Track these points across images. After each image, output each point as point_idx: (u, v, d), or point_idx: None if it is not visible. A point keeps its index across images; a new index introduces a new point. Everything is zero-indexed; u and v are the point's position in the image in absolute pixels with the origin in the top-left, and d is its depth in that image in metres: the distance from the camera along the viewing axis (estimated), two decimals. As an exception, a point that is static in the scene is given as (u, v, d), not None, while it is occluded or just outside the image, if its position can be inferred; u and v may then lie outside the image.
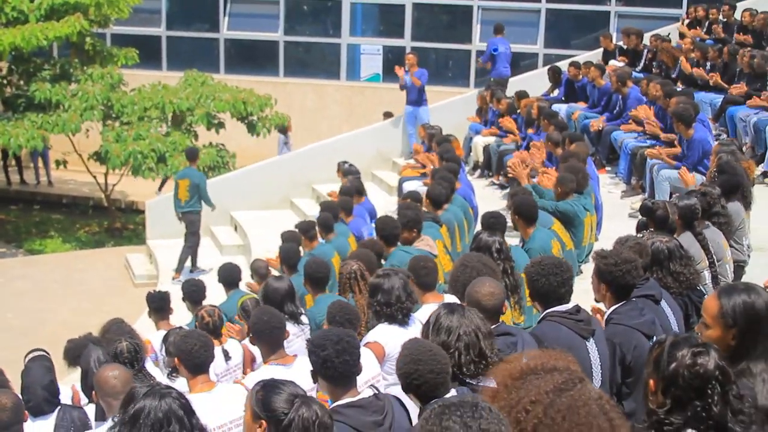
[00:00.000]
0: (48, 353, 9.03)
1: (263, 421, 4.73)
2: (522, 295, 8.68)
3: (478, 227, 11.17)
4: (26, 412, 6.59)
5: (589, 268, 10.39)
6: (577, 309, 6.37)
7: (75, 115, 21.40)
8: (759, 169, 14.55)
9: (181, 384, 8.10)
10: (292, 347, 9.16)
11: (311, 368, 5.30)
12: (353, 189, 14.59)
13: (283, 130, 23.35)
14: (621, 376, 6.46)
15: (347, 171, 16.69)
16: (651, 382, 4.17)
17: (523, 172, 12.33)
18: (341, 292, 9.46)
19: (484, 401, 3.16)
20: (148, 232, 19.66)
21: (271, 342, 7.18)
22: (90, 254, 21.74)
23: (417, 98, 20.32)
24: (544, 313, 6.44)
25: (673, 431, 4.04)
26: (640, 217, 9.96)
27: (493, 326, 6.10)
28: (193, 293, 11.03)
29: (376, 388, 5.34)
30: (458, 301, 7.38)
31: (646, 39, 20.58)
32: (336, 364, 5.21)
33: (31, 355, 8.99)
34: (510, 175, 13.24)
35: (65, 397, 8.54)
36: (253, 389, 4.96)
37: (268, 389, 4.82)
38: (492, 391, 3.35)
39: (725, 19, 20.54)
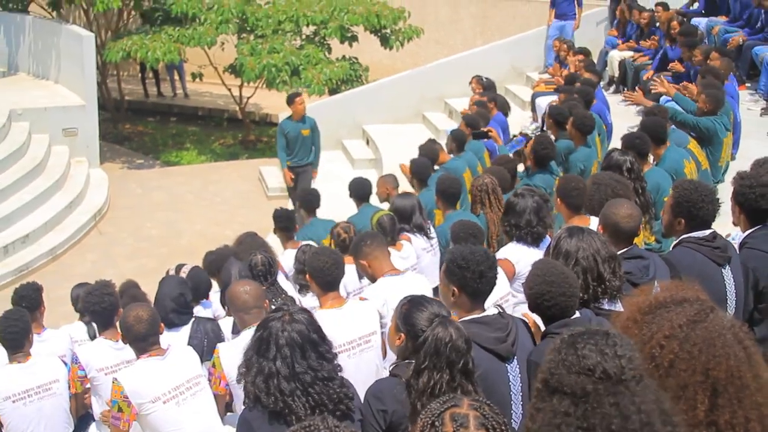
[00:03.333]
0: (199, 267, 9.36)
1: (402, 334, 4.91)
2: (653, 215, 8.58)
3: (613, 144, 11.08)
4: (162, 324, 6.77)
5: (723, 188, 10.20)
6: (714, 236, 6.23)
7: (210, 28, 21.56)
8: None
9: (310, 300, 8.25)
10: (422, 262, 9.25)
11: (456, 284, 5.26)
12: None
13: None
14: (753, 301, 6.34)
15: (487, 85, 16.64)
16: None
17: (667, 84, 11.99)
18: (472, 204, 9.49)
19: (613, 329, 3.14)
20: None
21: (324, 284, 6.76)
22: (224, 166, 22.09)
23: (565, 12, 19.98)
24: (680, 238, 6.33)
25: None
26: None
27: (626, 249, 6.05)
28: (309, 201, 11.18)
29: (501, 308, 5.33)
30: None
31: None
32: (489, 278, 5.20)
33: (185, 268, 9.30)
34: (653, 90, 12.89)
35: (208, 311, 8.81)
36: (400, 302, 5.06)
37: (413, 305, 4.98)
38: (622, 326, 3.32)
39: None
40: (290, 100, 15.84)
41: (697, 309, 3.24)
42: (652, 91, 12.59)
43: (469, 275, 5.14)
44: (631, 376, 2.96)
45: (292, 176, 15.90)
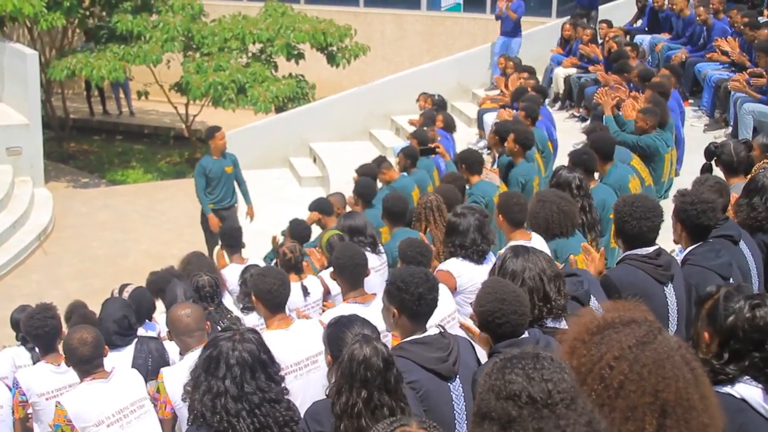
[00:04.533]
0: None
1: (329, 355, 5.03)
2: (599, 233, 8.63)
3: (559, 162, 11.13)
4: (106, 347, 6.70)
5: (667, 204, 10.28)
6: (658, 252, 6.27)
7: (156, 46, 21.52)
8: None
9: (253, 318, 8.27)
10: (371, 282, 9.23)
11: (395, 306, 5.28)
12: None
13: None
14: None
15: (438, 102, 16.69)
16: (706, 334, 4.17)
17: (609, 99, 12.11)
18: (415, 221, 9.49)
19: (544, 352, 3.15)
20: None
21: (352, 278, 7.17)
22: (171, 185, 22.01)
23: (512, 30, 20.09)
24: (624, 255, 6.38)
25: (729, 380, 4.04)
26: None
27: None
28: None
29: (443, 327, 5.35)
30: (544, 240, 7.40)
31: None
32: (428, 301, 5.22)
33: (128, 288, 9.22)
34: (596, 101, 12.99)
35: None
36: (328, 323, 5.10)
37: (338, 326, 5.10)
38: (569, 346, 3.33)
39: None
40: (210, 135, 14.64)
41: (645, 330, 3.26)
42: (594, 100, 12.67)
43: (407, 297, 5.17)
44: (559, 400, 2.95)
45: (219, 222, 14.21)
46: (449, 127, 15.03)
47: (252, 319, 8.35)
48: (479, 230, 7.40)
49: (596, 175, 9.83)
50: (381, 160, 13.34)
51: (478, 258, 7.39)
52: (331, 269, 7.61)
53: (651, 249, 6.27)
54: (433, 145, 13.08)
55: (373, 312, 6.87)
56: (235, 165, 14.75)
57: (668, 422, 3.12)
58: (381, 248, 9.57)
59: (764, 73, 13.39)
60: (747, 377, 4.02)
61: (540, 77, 18.25)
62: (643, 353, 3.19)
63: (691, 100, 16.30)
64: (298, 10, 23.90)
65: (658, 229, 6.35)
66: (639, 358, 3.18)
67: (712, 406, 3.19)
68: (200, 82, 21.01)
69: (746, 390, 4.00)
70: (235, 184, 14.79)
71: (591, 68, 17.17)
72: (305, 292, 9.00)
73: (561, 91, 18.11)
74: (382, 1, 27.28)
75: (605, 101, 12.14)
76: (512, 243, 7.11)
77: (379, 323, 5.90)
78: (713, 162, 9.12)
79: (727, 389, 4.02)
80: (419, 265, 6.92)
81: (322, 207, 11.25)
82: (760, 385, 4.00)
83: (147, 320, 8.92)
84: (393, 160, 13.42)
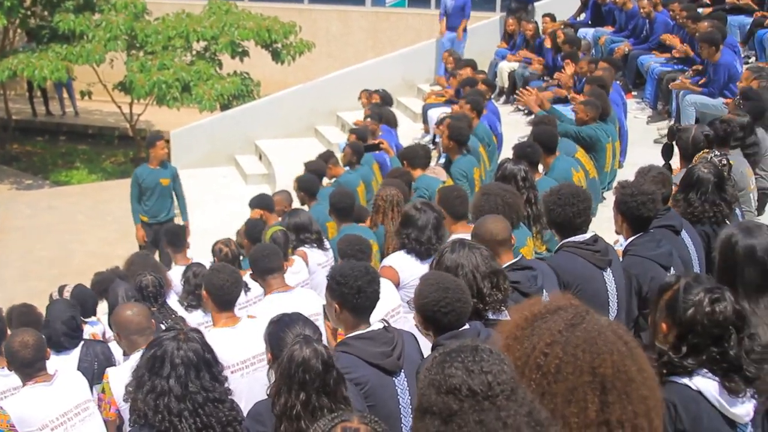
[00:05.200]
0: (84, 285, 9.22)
1: (270, 354, 5.05)
2: (544, 225, 8.68)
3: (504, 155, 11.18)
4: (48, 349, 6.65)
5: (609, 195, 10.37)
6: (595, 239, 6.36)
7: (99, 45, 21.32)
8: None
9: (197, 317, 8.26)
10: (317, 277, 9.24)
11: (336, 301, 5.28)
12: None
13: None
14: (638, 307, 6.45)
15: (384, 96, 16.68)
16: (663, 325, 4.16)
17: (531, 99, 12.15)
18: (374, 214, 9.51)
19: (483, 344, 3.15)
20: (173, 162, 19.41)
21: (273, 273, 7.37)
22: (116, 185, 21.81)
23: (456, 24, 20.08)
24: (561, 243, 6.44)
25: (686, 373, 4.06)
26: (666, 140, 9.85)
27: (514, 260, 6.10)
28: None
29: (387, 322, 5.35)
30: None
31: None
32: (368, 294, 5.22)
33: (68, 287, 9.15)
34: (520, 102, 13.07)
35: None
36: (269, 321, 5.10)
37: (279, 325, 5.14)
38: (503, 345, 3.34)
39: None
40: (151, 143, 13.91)
41: (572, 313, 3.28)
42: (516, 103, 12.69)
43: (347, 291, 5.18)
44: (499, 391, 2.96)
45: (145, 235, 13.83)
46: (391, 122, 15.06)
47: (196, 318, 8.35)
48: (436, 229, 7.41)
49: (541, 168, 9.89)
50: (328, 156, 13.35)
51: (426, 255, 7.39)
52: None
53: (587, 235, 6.37)
54: (376, 141, 13.09)
55: (297, 298, 7.12)
56: (174, 178, 14.07)
57: (610, 398, 3.12)
58: (327, 244, 9.58)
59: (704, 64, 13.53)
60: (704, 370, 4.03)
61: (485, 71, 18.31)
62: (573, 334, 3.20)
63: (634, 93, 16.43)
64: (243, 7, 23.79)
65: (586, 214, 6.44)
66: (570, 339, 3.19)
67: (650, 379, 3.20)
68: (144, 81, 20.87)
69: (703, 382, 4.02)
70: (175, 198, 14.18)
71: (532, 65, 17.30)
72: (245, 287, 8.99)
73: (506, 85, 18.16)
74: (326, -3, 27.26)
75: (528, 101, 12.16)
76: (453, 236, 7.21)
77: (304, 306, 5.94)
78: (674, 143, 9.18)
79: (685, 381, 4.04)
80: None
81: (263, 204, 11.22)
82: (716, 378, 4.01)
83: (92, 317, 8.88)
84: (339, 155, 13.42)
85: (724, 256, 4.62)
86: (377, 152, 13.10)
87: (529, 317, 3.33)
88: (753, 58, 16.03)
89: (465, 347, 3.09)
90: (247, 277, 9.11)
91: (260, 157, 19.20)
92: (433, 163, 11.32)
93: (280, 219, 10.78)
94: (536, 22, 18.47)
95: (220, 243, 9.52)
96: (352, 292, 5.17)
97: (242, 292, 8.53)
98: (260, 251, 7.63)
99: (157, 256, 12.44)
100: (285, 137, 19.40)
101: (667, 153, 9.34)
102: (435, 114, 15.30)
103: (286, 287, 7.35)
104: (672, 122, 13.83)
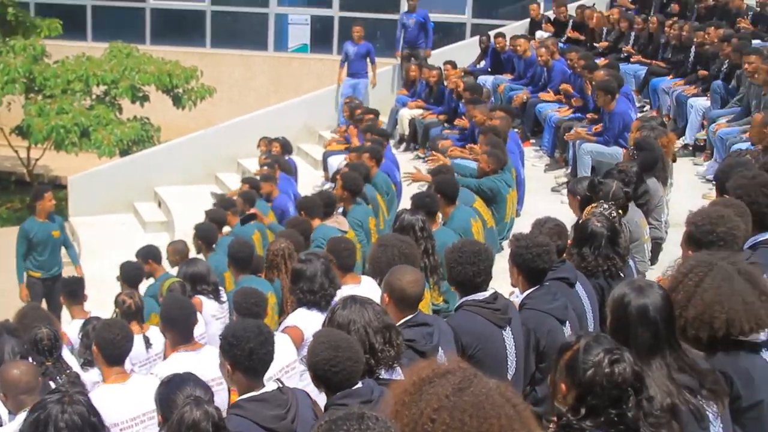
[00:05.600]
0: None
1: (160, 416, 4.97)
2: (441, 276, 8.69)
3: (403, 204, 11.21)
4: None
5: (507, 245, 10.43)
6: (495, 297, 6.35)
7: (-4, 88, 21.02)
8: (680, 142, 14.68)
9: (93, 375, 8.06)
10: (211, 329, 9.15)
11: (229, 362, 5.20)
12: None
13: None
14: (535, 361, 6.47)
15: (284, 143, 16.63)
16: (563, 386, 4.14)
17: (420, 176, 12.15)
18: (268, 270, 9.44)
19: (370, 411, 3.13)
20: (71, 209, 19.28)
21: (183, 330, 7.19)
22: (12, 231, 21.29)
23: (357, 70, 20.22)
24: (461, 301, 6.44)
25: None
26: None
27: (411, 316, 6.08)
28: (132, 276, 10.80)
29: (281, 382, 5.29)
30: (375, 283, 7.41)
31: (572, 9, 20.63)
32: (261, 355, 5.15)
33: None
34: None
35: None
36: (161, 381, 5.01)
37: (170, 385, 4.99)
38: (392, 412, 3.32)
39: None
40: (38, 196, 13.47)
41: (460, 377, 3.27)
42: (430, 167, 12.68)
43: (239, 353, 5.11)
44: None
45: (29, 294, 13.17)
46: (290, 171, 15.08)
47: (92, 376, 8.15)
48: (326, 274, 7.39)
49: (440, 217, 9.93)
50: (229, 204, 13.27)
51: (326, 304, 7.35)
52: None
53: (487, 293, 6.36)
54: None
55: (204, 359, 6.88)
56: (62, 229, 13.78)
57: None
58: (223, 296, 9.49)
59: (600, 112, 13.73)
60: None
61: (385, 118, 18.40)
62: (461, 399, 3.19)
63: (532, 141, 16.61)
64: (144, 50, 23.58)
65: (486, 272, 6.42)
66: (458, 404, 3.18)
67: None
68: (42, 125, 20.58)
69: None
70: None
71: (431, 114, 17.43)
72: (147, 343, 8.85)
73: (406, 133, 18.20)
74: (229, 41, 27.16)
75: (417, 177, 12.13)
76: (345, 287, 7.36)
77: (211, 370, 5.84)
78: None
79: None
80: (255, 316, 6.92)
81: (150, 255, 11.07)
82: None
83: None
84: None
85: (616, 315, 4.63)
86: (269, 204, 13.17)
87: (417, 381, 3.32)
88: (647, 107, 16.38)
89: (351, 415, 3.07)
90: (150, 332, 8.98)
91: (159, 204, 18.99)
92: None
93: (166, 271, 10.73)
94: (440, 69, 18.58)
95: (124, 294, 9.33)
96: (244, 354, 5.10)
97: (144, 349, 8.43)
98: (173, 305, 7.49)
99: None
100: (185, 184, 19.19)
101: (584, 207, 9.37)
102: (335, 161, 15.31)
103: (194, 346, 7.21)
104: (569, 170, 14.01)
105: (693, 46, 16.09)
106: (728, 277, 4.49)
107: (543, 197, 13.46)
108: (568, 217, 8.72)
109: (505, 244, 11.28)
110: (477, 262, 6.34)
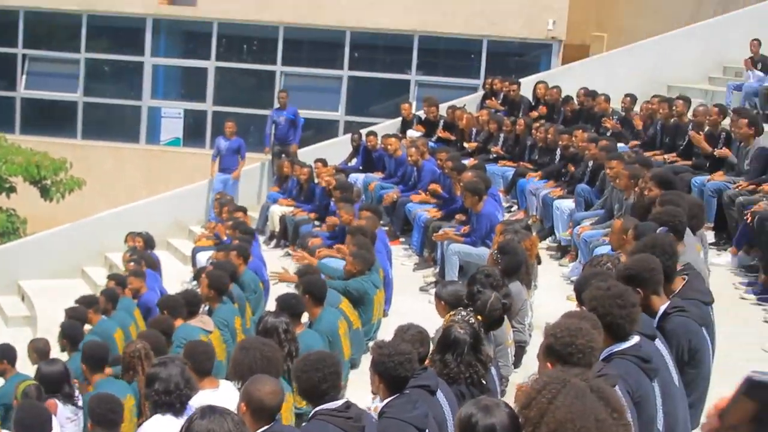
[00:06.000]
0: None
1: None
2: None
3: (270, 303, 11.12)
4: None
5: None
6: (347, 405, 6.30)
7: None
8: (547, 242, 14.91)
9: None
10: (66, 432, 8.92)
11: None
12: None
13: None
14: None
15: (147, 239, 16.46)
16: None
17: (289, 277, 12.17)
18: (125, 372, 9.27)
19: None
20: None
21: None
22: None
23: (229, 165, 20.19)
24: (313, 411, 6.37)
25: None
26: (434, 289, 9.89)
27: (266, 427, 5.99)
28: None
29: None
30: (234, 388, 7.31)
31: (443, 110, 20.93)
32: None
33: None
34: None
35: None
36: None
37: None
38: None
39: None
40: None
41: None
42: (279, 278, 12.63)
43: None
44: None
45: None
46: (154, 266, 14.95)
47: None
48: (182, 375, 7.26)
49: (306, 317, 9.88)
50: (91, 301, 13.02)
51: (181, 406, 7.21)
52: None
53: (340, 402, 6.31)
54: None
55: None
56: None
57: None
58: (79, 401, 9.25)
59: (468, 213, 13.86)
60: None
61: (256, 215, 18.37)
62: None
63: (402, 239, 16.68)
64: (12, 140, 23.20)
65: (332, 379, 6.41)
66: None
67: None
68: None
69: None
70: None
71: (302, 211, 17.46)
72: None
73: (277, 229, 18.16)
74: (100, 133, 26.82)
75: (287, 278, 12.12)
76: (202, 392, 7.25)
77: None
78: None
79: None
80: (110, 423, 6.74)
81: (4, 355, 10.80)
82: None
83: None
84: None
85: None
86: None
87: None
88: (515, 207, 16.63)
89: None
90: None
91: (23, 298, 18.55)
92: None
93: (17, 372, 10.49)
94: (311, 166, 18.63)
95: None
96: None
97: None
98: (29, 412, 7.29)
99: None
100: (51, 277, 18.83)
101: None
102: (203, 257, 15.20)
103: None
104: (437, 270, 14.08)
105: (558, 149, 16.42)
106: (581, 395, 4.52)
107: (411, 296, 13.49)
108: (435, 318, 8.76)
109: (371, 344, 11.28)
110: (321, 368, 6.35)
